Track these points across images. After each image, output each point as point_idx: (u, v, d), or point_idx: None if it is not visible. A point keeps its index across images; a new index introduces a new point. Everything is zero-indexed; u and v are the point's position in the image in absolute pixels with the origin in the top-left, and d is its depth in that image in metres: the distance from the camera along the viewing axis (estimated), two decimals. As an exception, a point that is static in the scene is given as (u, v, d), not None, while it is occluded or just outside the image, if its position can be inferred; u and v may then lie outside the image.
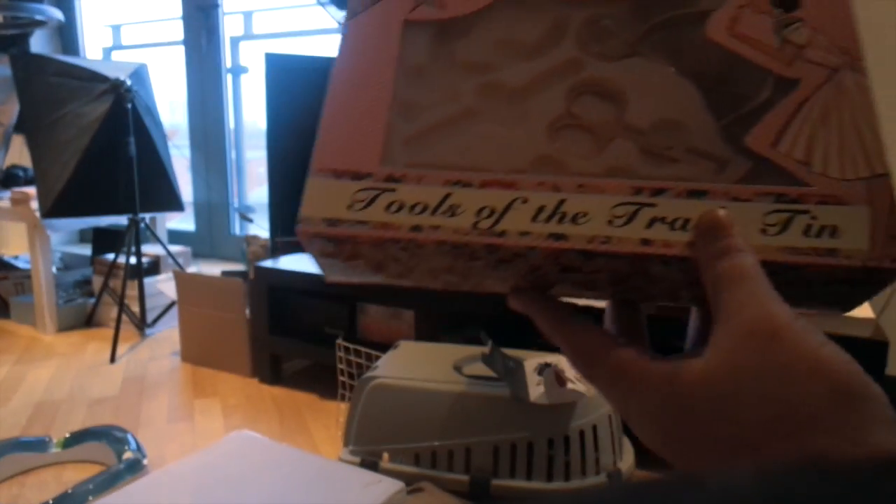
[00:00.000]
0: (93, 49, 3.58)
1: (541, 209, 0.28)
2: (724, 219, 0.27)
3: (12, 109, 2.80)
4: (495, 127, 0.31)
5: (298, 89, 1.83)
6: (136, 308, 2.46)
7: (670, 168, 0.29)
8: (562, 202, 0.28)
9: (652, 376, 0.26)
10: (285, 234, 1.90)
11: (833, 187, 0.27)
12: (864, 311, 1.37)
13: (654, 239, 0.27)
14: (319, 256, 0.31)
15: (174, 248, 2.71)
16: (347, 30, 0.32)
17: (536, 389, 1.15)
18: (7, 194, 2.63)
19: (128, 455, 1.45)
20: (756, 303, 0.24)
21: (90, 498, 1.26)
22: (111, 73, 2.33)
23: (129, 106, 2.28)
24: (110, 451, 1.48)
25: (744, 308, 0.24)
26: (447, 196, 0.29)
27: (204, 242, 3.22)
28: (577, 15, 0.31)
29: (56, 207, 2.30)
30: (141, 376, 2.08)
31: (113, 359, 2.21)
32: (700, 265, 0.27)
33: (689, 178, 0.28)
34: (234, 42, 3.06)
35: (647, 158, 0.29)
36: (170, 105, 3.41)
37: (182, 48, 3.11)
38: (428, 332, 1.70)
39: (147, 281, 2.49)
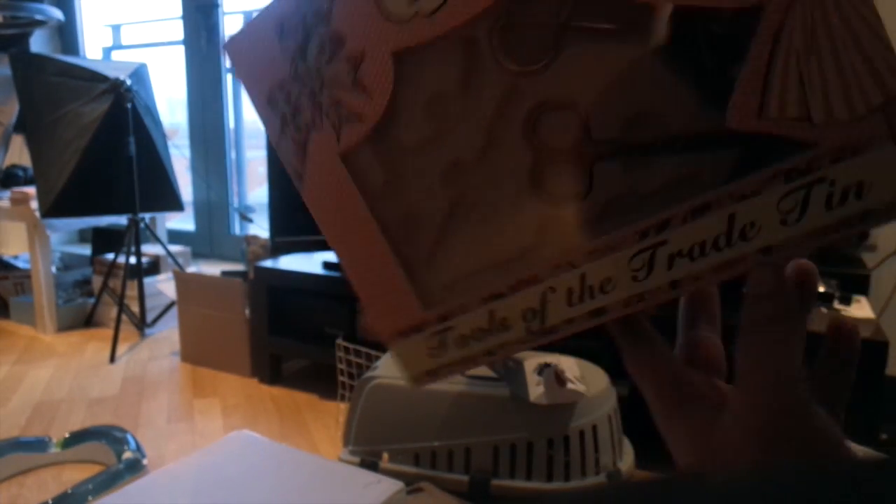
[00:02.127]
0: (93, 49, 3.57)
1: (570, 291, 0.28)
2: (772, 283, 0.26)
3: (12, 109, 2.80)
4: (484, 209, 0.29)
5: (298, 89, 1.83)
6: (135, 308, 2.46)
7: (667, 169, 0.26)
8: (584, 277, 0.28)
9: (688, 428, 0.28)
10: (285, 234, 1.90)
11: (844, 135, 0.23)
12: (864, 311, 1.37)
13: (682, 278, 0.26)
14: None
15: (174, 248, 2.71)
16: (306, 197, 0.32)
17: (536, 389, 1.15)
18: (7, 194, 2.63)
19: (127, 455, 1.45)
20: (779, 391, 0.25)
21: (90, 498, 1.26)
22: (111, 72, 2.33)
23: (129, 106, 2.28)
24: (110, 451, 1.48)
25: (767, 392, 0.26)
26: (492, 313, 0.30)
27: (204, 242, 3.22)
28: (482, 27, 0.27)
29: (56, 207, 2.30)
30: (140, 376, 2.08)
31: (112, 359, 2.21)
32: (744, 312, 0.27)
33: (690, 174, 0.25)
34: (234, 42, 3.05)
35: (637, 169, 0.26)
36: (170, 105, 3.41)
37: (182, 48, 3.11)
38: (428, 332, 1.70)
39: (147, 281, 2.49)
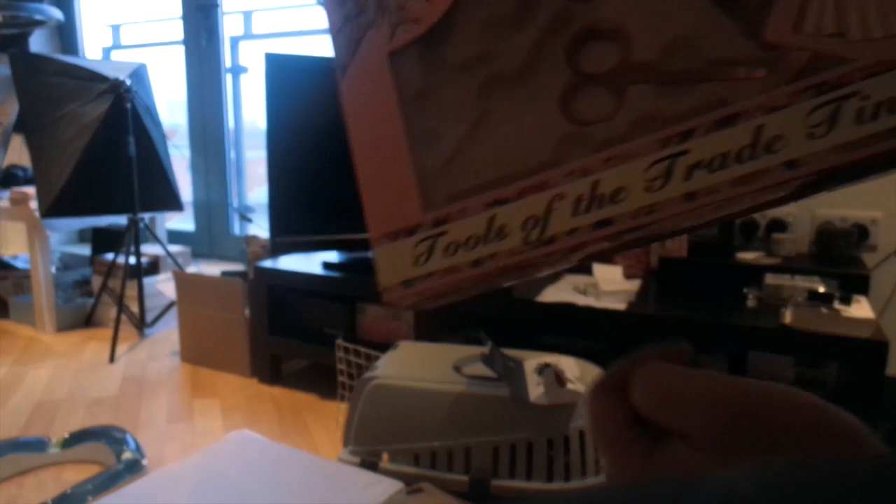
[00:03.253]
0: (92, 49, 3.57)
1: (579, 199, 0.28)
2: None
3: (12, 109, 2.80)
4: (509, 124, 0.29)
5: (298, 89, 1.83)
6: (135, 308, 2.46)
7: (697, 94, 0.26)
8: (596, 184, 0.27)
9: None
10: (285, 234, 1.90)
11: (880, 50, 0.23)
12: (864, 311, 1.37)
13: (698, 189, 0.26)
14: (413, 308, 0.33)
15: (173, 248, 2.71)
16: (344, 89, 0.32)
17: (536, 390, 1.15)
18: (6, 194, 2.63)
19: (127, 455, 1.45)
20: (721, 383, 0.25)
21: (89, 498, 1.26)
22: (111, 72, 2.33)
23: (129, 106, 2.28)
24: (109, 451, 1.48)
25: (712, 393, 0.25)
26: (492, 219, 0.29)
27: (203, 242, 3.22)
28: None
29: (55, 207, 2.30)
30: (140, 376, 2.08)
31: (112, 359, 2.21)
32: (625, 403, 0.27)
33: (720, 100, 0.26)
34: (234, 42, 3.05)
35: (669, 94, 0.27)
36: (169, 105, 3.41)
37: (182, 48, 3.11)
38: (428, 332, 1.70)
39: (146, 281, 2.49)
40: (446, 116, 0.31)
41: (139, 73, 2.48)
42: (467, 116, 0.30)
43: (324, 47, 2.89)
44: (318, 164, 1.86)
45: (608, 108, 0.27)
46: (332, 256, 2.00)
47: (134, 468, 1.40)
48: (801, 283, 1.46)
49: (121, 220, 2.47)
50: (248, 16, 3.03)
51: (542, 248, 0.28)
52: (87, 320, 2.63)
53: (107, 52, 3.54)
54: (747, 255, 1.69)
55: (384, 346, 1.47)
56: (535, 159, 0.29)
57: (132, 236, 2.35)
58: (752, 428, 0.23)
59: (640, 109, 0.27)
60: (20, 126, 2.82)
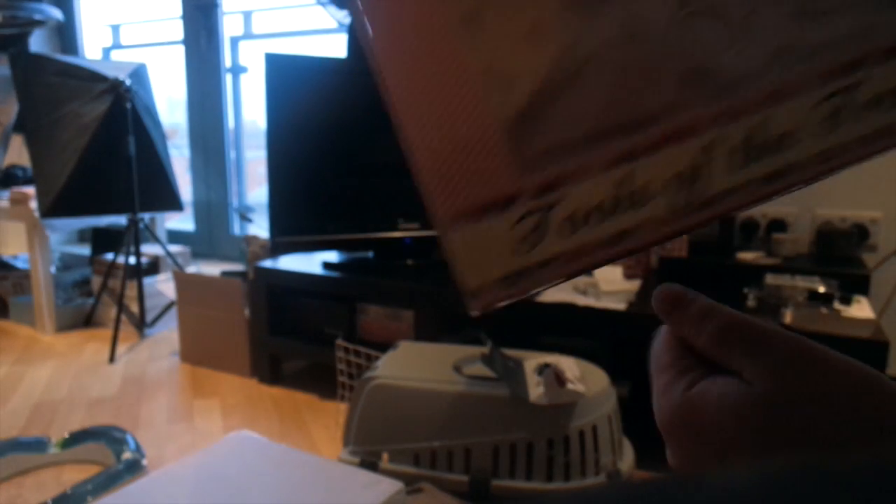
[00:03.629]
0: (92, 49, 3.57)
1: (734, 151, 0.22)
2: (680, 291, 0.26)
3: (11, 109, 2.80)
4: (613, 52, 0.22)
5: (298, 89, 1.83)
6: (135, 308, 2.46)
7: (838, 23, 0.22)
8: (756, 128, 0.22)
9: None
10: (285, 234, 1.90)
11: None
12: (864, 311, 1.37)
13: (880, 128, 0.21)
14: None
15: (173, 248, 2.71)
16: (366, 11, 0.23)
17: (536, 390, 1.15)
18: (6, 194, 2.63)
19: (127, 455, 1.45)
20: (785, 335, 0.25)
21: (89, 498, 1.26)
22: (110, 72, 2.33)
23: (129, 106, 2.28)
24: (109, 451, 1.48)
25: (777, 340, 0.24)
26: (625, 179, 0.22)
27: (203, 242, 3.22)
28: None
29: (55, 207, 2.30)
30: (140, 376, 2.08)
31: (112, 359, 2.21)
32: (687, 327, 0.26)
33: (859, 34, 0.22)
34: (234, 42, 3.05)
35: (804, 21, 0.22)
36: (169, 104, 3.41)
37: (182, 48, 3.11)
38: (428, 332, 1.70)
39: (146, 281, 2.49)
40: (515, 47, 0.23)
41: (139, 73, 2.48)
42: (546, 48, 0.22)
43: (324, 47, 2.89)
44: (318, 163, 1.86)
45: (733, 37, 0.22)
46: (332, 256, 2.00)
47: (134, 468, 1.40)
48: (802, 283, 1.46)
49: (121, 220, 2.47)
50: (247, 16, 3.03)
51: (699, 213, 0.22)
52: (87, 320, 2.63)
53: (107, 51, 3.54)
54: (747, 255, 1.68)
55: (384, 346, 1.47)
56: (653, 101, 0.22)
57: (132, 236, 2.35)
58: (811, 377, 0.23)
59: (775, 39, 0.22)
60: (20, 126, 2.82)
